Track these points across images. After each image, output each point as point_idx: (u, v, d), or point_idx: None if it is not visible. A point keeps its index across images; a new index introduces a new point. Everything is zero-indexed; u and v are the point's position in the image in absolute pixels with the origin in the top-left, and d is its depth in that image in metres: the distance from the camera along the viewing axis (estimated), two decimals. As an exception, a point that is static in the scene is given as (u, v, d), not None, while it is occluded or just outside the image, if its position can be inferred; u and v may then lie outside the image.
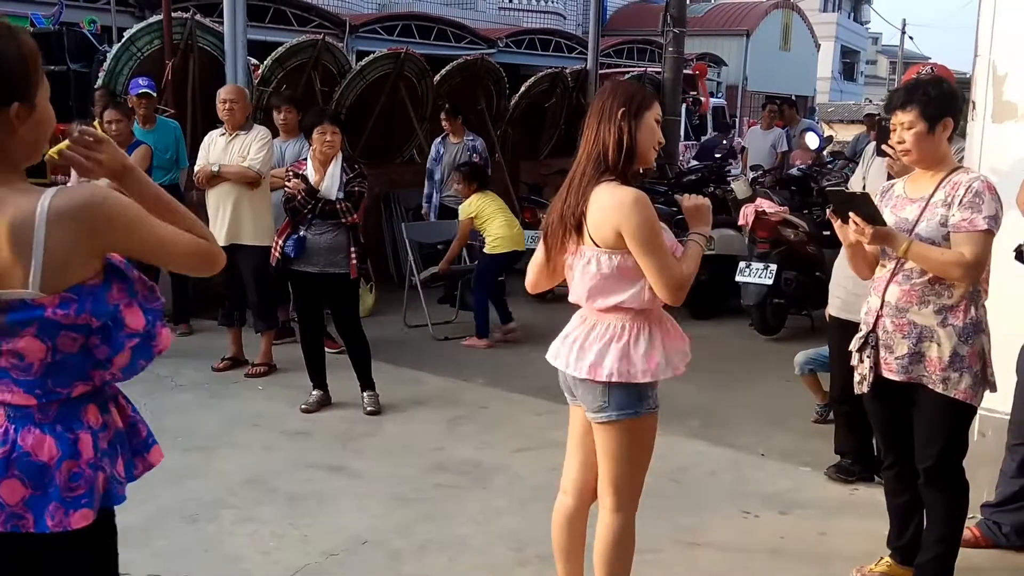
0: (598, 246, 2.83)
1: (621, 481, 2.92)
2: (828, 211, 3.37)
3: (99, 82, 7.88)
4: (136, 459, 2.02)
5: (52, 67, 7.84)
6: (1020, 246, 2.93)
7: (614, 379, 2.81)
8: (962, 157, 4.17)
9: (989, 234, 3.09)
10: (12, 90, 1.71)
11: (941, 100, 3.19)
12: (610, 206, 2.78)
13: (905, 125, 3.18)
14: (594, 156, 2.86)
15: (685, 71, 14.55)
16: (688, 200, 2.98)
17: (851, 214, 3.17)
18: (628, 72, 14.12)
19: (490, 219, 7.37)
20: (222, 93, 6.30)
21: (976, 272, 3.10)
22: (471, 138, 8.59)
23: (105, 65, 8.02)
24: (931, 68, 5.29)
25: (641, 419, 2.87)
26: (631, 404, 2.85)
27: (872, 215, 3.15)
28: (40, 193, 1.72)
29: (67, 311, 1.72)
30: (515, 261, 7.42)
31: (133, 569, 3.52)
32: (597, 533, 2.99)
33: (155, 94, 7.24)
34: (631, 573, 3.03)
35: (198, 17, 8.49)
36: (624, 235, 2.76)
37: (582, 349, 2.87)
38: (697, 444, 5.12)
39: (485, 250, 7.39)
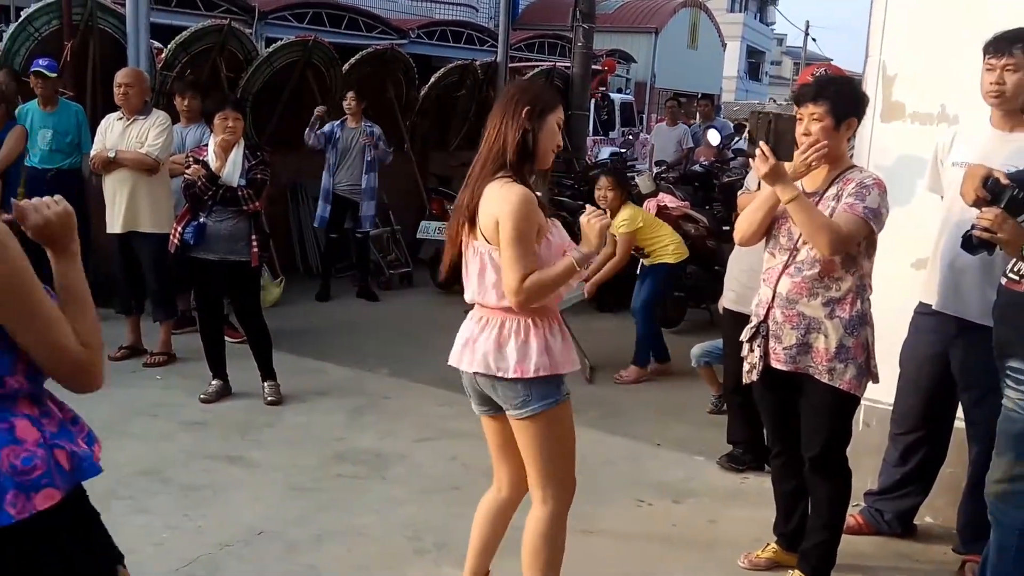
0: (489, 242, 2.83)
1: (552, 472, 2.92)
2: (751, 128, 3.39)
3: (-8, 62, 7.55)
4: (92, 446, 1.94)
5: (-59, 45, 7.50)
6: (968, 232, 3.02)
7: (541, 373, 2.80)
8: (852, 155, 4.28)
9: (865, 223, 3.17)
10: None
11: (850, 99, 3.28)
12: (496, 201, 2.78)
13: (815, 116, 3.24)
14: (494, 152, 2.85)
15: (594, 67, 14.66)
16: (585, 217, 2.87)
17: (760, 142, 3.21)
18: (538, 66, 14.14)
19: (655, 227, 6.44)
20: (118, 77, 6.12)
21: (840, 246, 3.15)
22: (368, 124, 8.46)
23: (2, 45, 7.70)
24: (825, 69, 5.42)
25: (561, 406, 2.88)
26: (551, 394, 2.85)
27: (782, 143, 3.20)
28: None
29: None
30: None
31: (16, 564, 3.40)
32: (527, 526, 2.98)
33: (54, 75, 6.96)
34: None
35: (99, -2, 8.19)
36: (500, 229, 2.76)
37: (499, 350, 2.82)
38: (595, 434, 5.15)
39: (656, 261, 6.32)
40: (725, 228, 7.12)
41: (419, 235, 9.19)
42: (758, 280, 3.59)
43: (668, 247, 6.24)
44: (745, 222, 3.45)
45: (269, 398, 5.52)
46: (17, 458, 1.74)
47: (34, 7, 8.03)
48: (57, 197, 1.83)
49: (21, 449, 1.75)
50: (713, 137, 10.02)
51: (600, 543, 3.91)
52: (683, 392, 6.05)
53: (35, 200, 1.79)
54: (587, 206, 2.93)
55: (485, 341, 2.85)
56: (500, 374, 2.82)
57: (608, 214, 6.08)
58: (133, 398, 5.51)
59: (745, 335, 3.46)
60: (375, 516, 4.08)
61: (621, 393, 6.03)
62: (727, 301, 4.69)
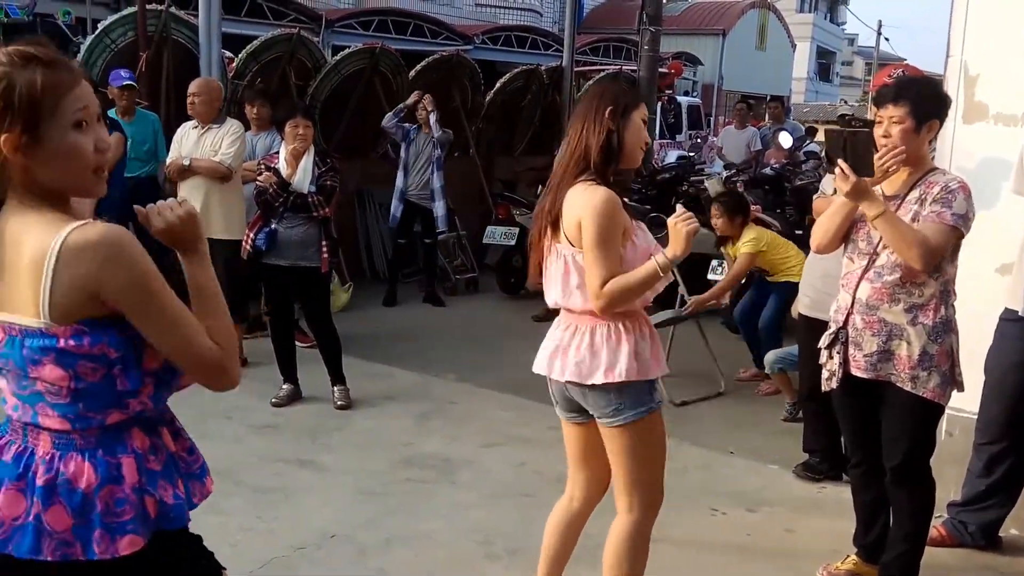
0: (572, 245, 2.81)
1: (640, 481, 2.87)
2: (828, 140, 3.32)
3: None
4: (193, 483, 1.95)
5: (23, 57, 7.73)
6: None
7: (631, 377, 2.75)
8: (933, 157, 4.18)
9: (954, 230, 3.10)
10: (12, 120, 1.67)
11: (932, 101, 3.21)
12: (579, 204, 2.76)
13: (894, 119, 3.17)
14: (576, 155, 2.83)
15: (660, 70, 14.57)
16: (673, 219, 2.77)
17: (839, 161, 3.15)
18: (603, 70, 14.12)
19: (781, 247, 6.26)
20: (190, 88, 6.25)
21: (931, 259, 3.07)
22: (434, 116, 8.46)
23: (79, 57, 7.92)
24: (903, 70, 5.31)
25: (653, 415, 2.84)
26: (643, 401, 2.81)
27: (861, 161, 3.13)
28: (66, 225, 1.68)
29: (79, 343, 1.69)
30: None
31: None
32: (610, 534, 2.94)
33: (137, 86, 7.16)
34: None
35: (173, 9, 8.38)
36: (582, 231, 2.75)
37: (592, 358, 2.79)
38: (667, 441, 5.10)
39: (781, 279, 6.06)
40: (798, 232, 7.01)
41: (485, 240, 9.21)
42: (834, 285, 3.52)
43: (794, 267, 5.96)
44: (822, 229, 3.37)
45: (339, 402, 5.58)
46: (112, 499, 1.76)
47: (110, 19, 8.27)
48: (181, 199, 1.85)
49: (119, 490, 1.76)
50: (785, 140, 9.88)
51: (673, 552, 3.86)
52: (757, 399, 5.97)
53: (159, 203, 1.82)
54: (677, 207, 2.87)
55: (576, 349, 2.82)
56: (592, 381, 2.78)
57: (731, 240, 6.15)
58: (207, 401, 5.55)
59: (824, 342, 3.39)
60: (444, 521, 4.09)
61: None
62: (802, 306, 4.62)
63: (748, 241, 6.07)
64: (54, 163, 1.70)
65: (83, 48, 8.03)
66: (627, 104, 2.81)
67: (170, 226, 1.81)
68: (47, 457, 1.75)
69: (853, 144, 3.16)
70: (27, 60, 1.70)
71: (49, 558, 1.72)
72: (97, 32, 8.11)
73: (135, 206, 1.87)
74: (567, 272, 2.83)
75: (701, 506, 4.32)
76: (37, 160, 1.69)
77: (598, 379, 2.77)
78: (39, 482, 1.73)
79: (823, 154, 4.16)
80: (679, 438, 5.17)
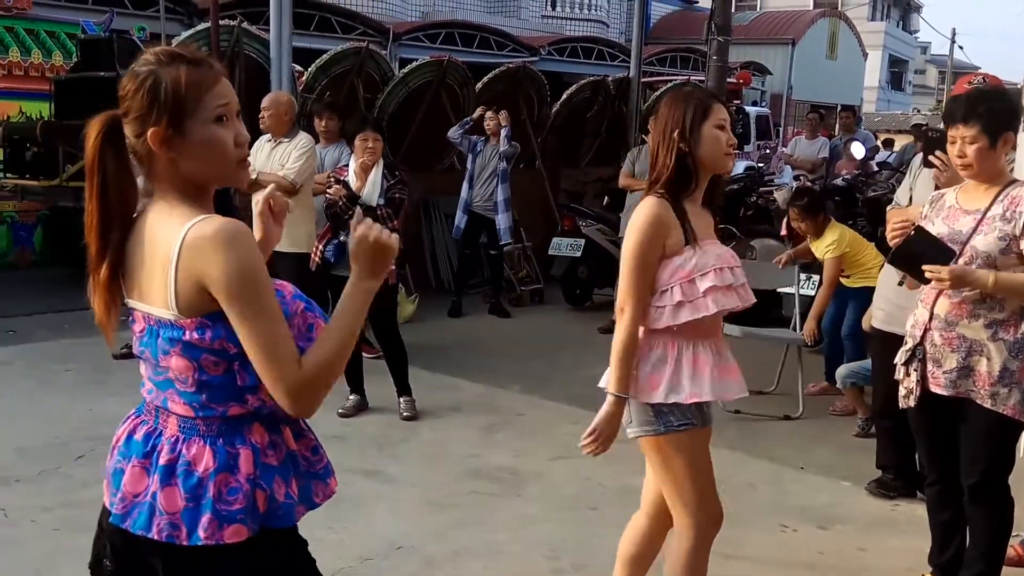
0: None
1: (676, 502, 2.85)
2: (895, 268, 3.27)
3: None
4: (316, 483, 2.00)
5: (102, 73, 7.97)
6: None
7: (639, 398, 2.77)
8: (1012, 167, 4.09)
9: None
10: (159, 115, 1.77)
11: (1005, 115, 3.14)
12: (634, 215, 2.80)
13: (967, 139, 3.11)
14: (656, 174, 2.82)
15: (728, 79, 14.45)
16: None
17: (924, 267, 3.09)
18: (670, 80, 14.06)
19: (860, 248, 6.05)
20: (262, 102, 6.37)
21: None
22: (505, 130, 8.52)
23: (153, 72, 8.12)
24: (983, 78, 5.20)
25: (664, 438, 2.77)
26: (648, 422, 2.77)
27: (936, 250, 3.07)
28: (192, 219, 1.76)
29: (202, 336, 1.75)
30: None
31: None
32: (669, 551, 2.94)
33: None
34: None
35: (245, 25, 8.58)
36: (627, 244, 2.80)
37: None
38: (735, 455, 5.06)
39: (858, 284, 5.89)
40: (870, 243, 6.88)
41: (551, 252, 9.21)
42: (908, 298, 3.46)
43: (872, 269, 5.79)
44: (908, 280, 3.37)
45: (405, 413, 5.63)
46: (226, 486, 1.80)
47: (184, 35, 8.50)
48: (389, 232, 1.86)
49: (233, 479, 1.80)
50: (857, 150, 9.73)
51: (743, 568, 3.82)
52: (827, 414, 5.88)
53: (374, 224, 1.84)
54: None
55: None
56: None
57: (809, 240, 6.05)
58: (275, 411, 5.69)
59: (900, 358, 3.33)
60: (511, 534, 4.10)
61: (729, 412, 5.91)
62: (876, 320, 4.53)
63: (831, 244, 5.93)
64: (197, 156, 1.80)
65: (158, 64, 8.22)
66: (694, 120, 2.76)
67: (362, 239, 1.82)
68: (172, 439, 1.82)
69: (919, 244, 3.11)
70: (172, 58, 1.80)
71: (156, 537, 1.79)
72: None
73: (357, 205, 1.96)
74: None
75: (771, 522, 4.26)
76: (182, 153, 1.79)
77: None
78: (161, 461, 1.80)
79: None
80: (746, 452, 5.14)
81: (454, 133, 8.54)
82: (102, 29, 9.22)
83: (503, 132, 8.35)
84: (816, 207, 6.10)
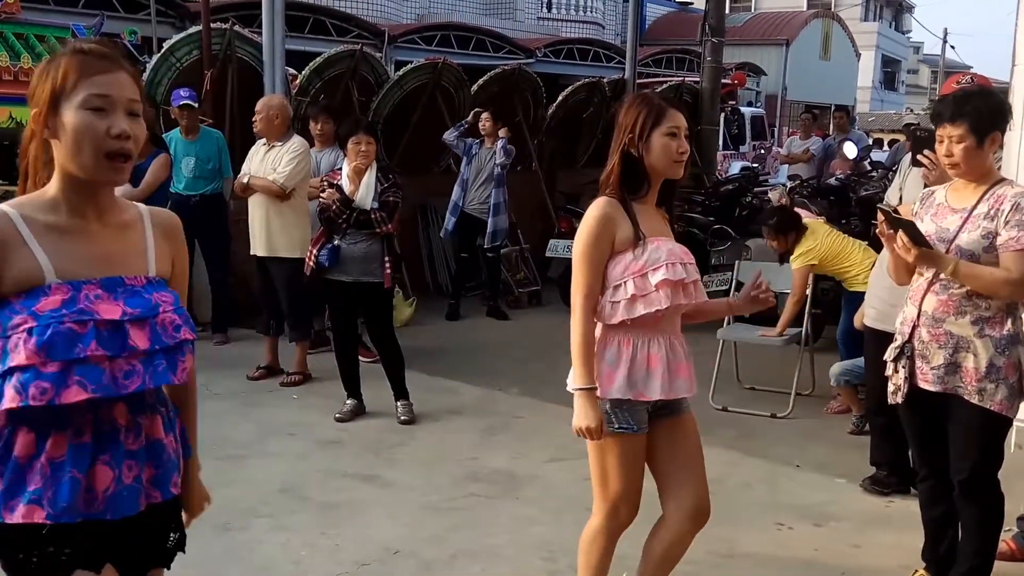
0: None
1: (595, 486, 2.97)
2: (880, 224, 3.31)
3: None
4: None
5: (94, 79, 7.96)
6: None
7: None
8: (1000, 166, 4.12)
9: None
10: (42, 97, 1.85)
11: (991, 114, 3.17)
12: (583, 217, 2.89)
13: (954, 139, 3.15)
14: (605, 175, 2.90)
15: (723, 80, 14.50)
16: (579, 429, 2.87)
17: (899, 233, 3.14)
18: (665, 82, 14.07)
19: (837, 256, 5.96)
20: (256, 106, 6.40)
21: (1021, 290, 3.08)
22: (502, 142, 8.56)
23: (145, 75, 8.14)
24: (971, 78, 5.24)
25: (606, 436, 2.84)
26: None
27: (917, 238, 3.12)
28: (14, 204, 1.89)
29: None
30: None
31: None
32: None
33: (197, 105, 7.33)
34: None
35: (237, 27, 8.59)
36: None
37: None
38: (731, 455, 5.09)
39: (852, 288, 5.80)
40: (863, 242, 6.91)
41: (548, 253, 9.23)
42: (899, 297, 3.50)
43: (858, 275, 5.75)
44: (894, 273, 3.43)
45: (402, 417, 5.64)
46: (178, 445, 2.02)
47: (175, 38, 8.50)
48: None
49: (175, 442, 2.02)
50: (850, 150, 9.77)
51: (740, 567, 3.85)
52: (821, 412, 5.91)
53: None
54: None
55: None
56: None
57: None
58: (271, 417, 5.72)
59: (889, 355, 3.36)
60: (509, 536, 4.12)
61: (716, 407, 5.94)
62: (868, 319, 4.56)
63: (797, 257, 5.97)
64: (66, 142, 1.82)
65: (148, 67, 8.25)
66: (644, 126, 2.81)
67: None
68: None
69: (905, 226, 3.15)
70: (73, 50, 1.85)
71: None
72: (162, 51, 8.33)
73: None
74: None
75: (767, 520, 4.29)
76: (58, 139, 1.83)
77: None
78: None
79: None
80: (741, 451, 5.17)
81: (449, 136, 8.57)
82: (92, 33, 9.19)
83: (499, 144, 8.38)
84: (785, 225, 6.09)
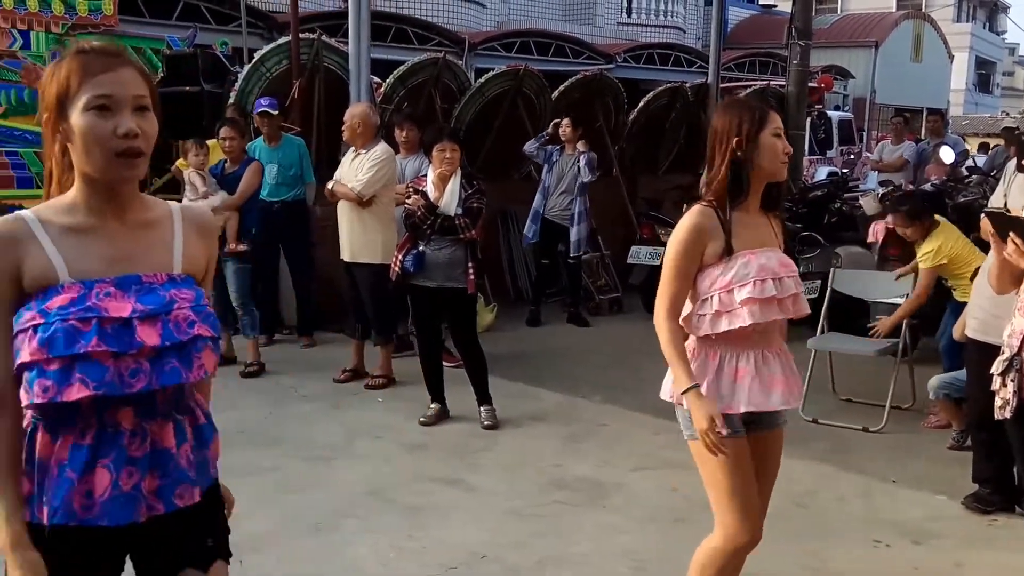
0: None
1: (711, 499, 2.89)
2: (986, 229, 3.21)
3: (230, 101, 8.19)
4: None
5: (187, 87, 8.18)
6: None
7: (664, 396, 2.90)
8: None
9: None
10: (49, 101, 1.85)
11: None
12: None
13: None
14: (705, 183, 2.85)
15: (810, 84, 14.25)
16: (706, 432, 2.71)
17: (1011, 235, 3.03)
18: (749, 85, 13.91)
19: (968, 258, 5.64)
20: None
21: None
22: (583, 150, 8.55)
23: (236, 85, 8.32)
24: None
25: (698, 442, 2.78)
26: (687, 425, 2.82)
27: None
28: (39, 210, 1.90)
29: None
30: None
31: (260, 574, 3.63)
32: None
33: (276, 112, 7.44)
34: None
35: (324, 38, 8.73)
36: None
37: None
38: (824, 468, 4.98)
39: (963, 298, 5.37)
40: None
41: (630, 260, 9.15)
42: (1003, 307, 3.39)
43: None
44: (996, 281, 3.33)
45: (485, 422, 5.65)
46: (199, 456, 1.98)
47: (266, 49, 8.67)
48: None
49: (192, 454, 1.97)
50: (946, 155, 9.51)
51: (833, 584, 3.76)
52: (919, 426, 5.74)
53: None
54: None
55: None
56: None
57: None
58: (357, 419, 5.78)
59: (997, 368, 3.25)
60: (594, 544, 4.09)
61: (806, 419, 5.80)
62: (970, 330, 4.42)
63: (925, 255, 5.69)
64: (76, 144, 1.82)
65: (240, 77, 8.43)
66: (751, 128, 2.77)
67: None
68: None
69: (1019, 225, 3.03)
70: (76, 51, 1.84)
71: None
72: (253, 62, 8.50)
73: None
74: None
75: (863, 537, 4.17)
76: (71, 142, 1.83)
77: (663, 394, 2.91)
78: None
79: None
80: (835, 465, 5.05)
81: (530, 147, 8.59)
82: (186, 44, 9.43)
83: (583, 160, 8.37)
84: (918, 211, 5.84)
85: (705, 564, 2.89)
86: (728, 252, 2.75)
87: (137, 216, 1.92)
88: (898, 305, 6.07)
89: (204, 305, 1.92)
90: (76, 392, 1.74)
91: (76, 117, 1.80)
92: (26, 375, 1.76)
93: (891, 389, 5.71)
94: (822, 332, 6.12)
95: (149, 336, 1.80)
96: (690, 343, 2.87)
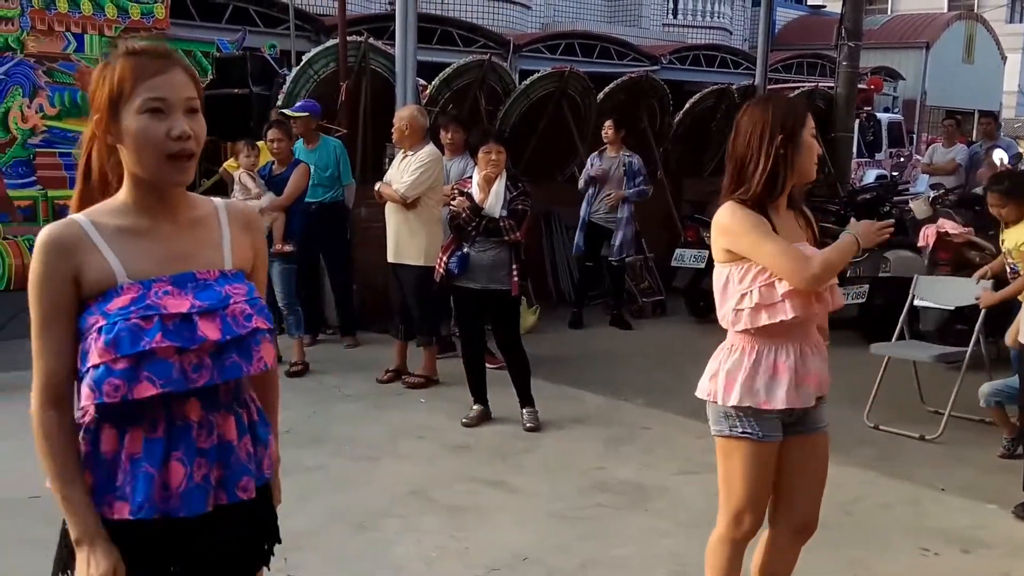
0: (719, 263, 2.89)
1: (723, 497, 2.95)
2: None
3: (278, 103, 8.28)
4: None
5: (236, 90, 8.29)
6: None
7: (700, 395, 2.92)
8: None
9: None
10: (101, 103, 1.88)
11: None
12: (716, 221, 2.83)
13: None
14: (737, 179, 2.82)
15: (859, 86, 14.09)
16: (877, 227, 2.86)
17: None
18: (798, 87, 13.76)
19: None
20: None
21: None
22: (627, 154, 8.56)
23: (284, 87, 8.42)
24: None
25: (729, 440, 2.86)
26: (716, 420, 2.90)
27: None
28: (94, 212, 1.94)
29: None
30: None
31: (304, 572, 3.67)
32: None
33: (307, 114, 7.43)
34: None
35: (371, 40, 8.80)
36: (731, 246, 2.79)
37: (709, 371, 2.94)
38: (869, 475, 4.92)
39: None
40: (1015, 255, 6.59)
41: (673, 263, 9.12)
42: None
43: None
44: None
45: (528, 424, 5.66)
46: (257, 451, 2.02)
47: (314, 51, 8.75)
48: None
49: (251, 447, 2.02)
50: (1000, 157, 9.34)
51: (879, 592, 3.71)
52: (968, 433, 5.65)
53: None
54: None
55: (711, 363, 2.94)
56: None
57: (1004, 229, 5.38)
58: (400, 419, 5.82)
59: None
60: (637, 548, 4.08)
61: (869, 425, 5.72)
62: (1022, 336, 4.34)
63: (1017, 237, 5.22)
64: (128, 146, 1.84)
65: (288, 79, 8.52)
66: (794, 126, 2.77)
67: None
68: None
69: None
70: (125, 52, 1.86)
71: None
72: (301, 64, 8.59)
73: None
74: (717, 289, 2.90)
75: (910, 545, 4.12)
76: (122, 143, 1.85)
77: (701, 392, 2.92)
78: None
79: None
80: (881, 472, 4.99)
81: (584, 186, 8.59)
82: (235, 47, 9.56)
83: (638, 182, 8.38)
84: (1019, 191, 5.35)
85: (715, 549, 3.03)
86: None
87: (186, 215, 1.95)
88: (947, 311, 5.97)
89: (257, 299, 1.96)
90: (145, 390, 1.78)
91: (129, 119, 1.82)
92: (92, 374, 1.79)
93: (952, 397, 5.55)
94: (900, 338, 6.00)
95: (210, 331, 1.84)
96: (729, 341, 2.89)
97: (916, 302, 6.27)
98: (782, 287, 2.72)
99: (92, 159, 1.94)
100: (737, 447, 2.85)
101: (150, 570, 1.90)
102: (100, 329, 1.78)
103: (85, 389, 1.80)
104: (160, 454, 1.84)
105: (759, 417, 2.80)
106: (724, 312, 2.85)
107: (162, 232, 1.91)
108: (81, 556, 1.81)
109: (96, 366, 1.78)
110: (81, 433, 1.88)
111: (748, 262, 2.77)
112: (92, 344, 1.79)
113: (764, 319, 2.75)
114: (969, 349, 5.65)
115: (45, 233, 1.84)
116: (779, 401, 2.78)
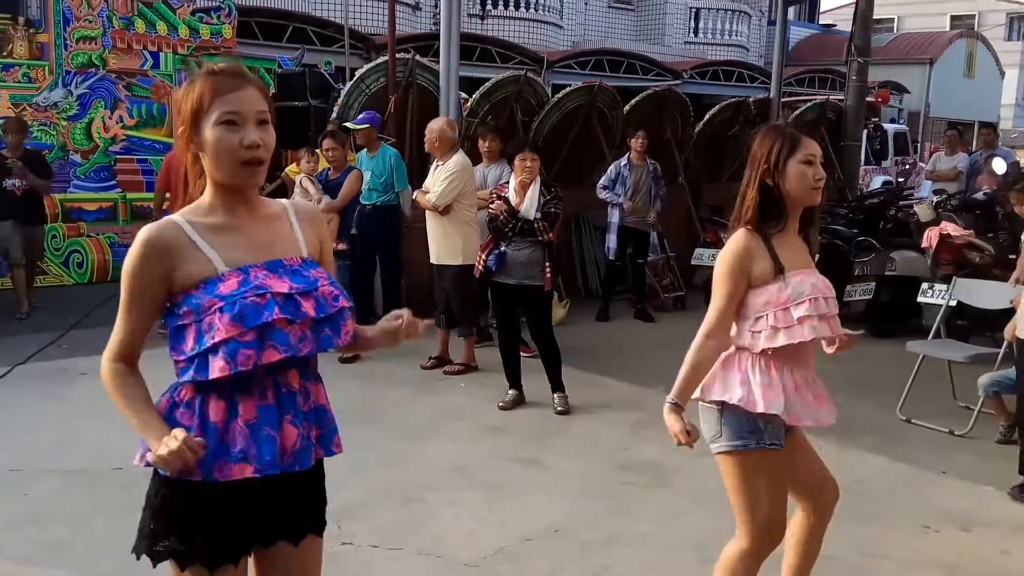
0: None
1: (743, 514, 2.74)
2: None
3: (333, 115, 8.33)
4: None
5: (296, 102, 8.35)
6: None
7: (732, 400, 2.64)
8: None
9: None
10: (185, 117, 1.95)
11: None
12: (724, 246, 2.73)
13: None
14: (742, 205, 2.73)
15: (868, 98, 13.92)
16: (677, 433, 2.80)
17: None
18: (809, 100, 13.61)
19: None
20: None
21: None
22: (651, 162, 8.52)
23: (339, 100, 8.47)
24: None
25: (756, 453, 2.65)
26: (742, 435, 2.65)
27: None
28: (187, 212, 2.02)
29: None
30: None
31: (356, 539, 3.70)
32: (722, 552, 2.84)
33: (368, 126, 7.46)
34: None
35: (417, 57, 8.83)
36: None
37: (712, 374, 2.74)
38: (876, 459, 4.87)
39: None
40: (1012, 256, 6.49)
41: (693, 261, 9.09)
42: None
43: None
44: None
45: (559, 408, 5.66)
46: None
47: (365, 68, 8.81)
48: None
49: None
50: (999, 166, 9.20)
51: (884, 567, 3.67)
52: (967, 421, 5.56)
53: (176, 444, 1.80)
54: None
55: (728, 372, 2.73)
56: (698, 396, 2.75)
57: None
58: (443, 403, 5.84)
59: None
60: (660, 524, 4.06)
61: (901, 421, 5.62)
62: (1020, 330, 4.28)
63: None
64: (208, 154, 1.92)
65: (342, 93, 8.57)
66: (779, 155, 2.65)
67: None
68: None
69: None
70: (208, 72, 1.94)
71: None
72: (354, 79, 8.65)
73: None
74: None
75: (912, 523, 4.07)
76: (204, 152, 1.93)
77: (706, 395, 2.70)
78: None
79: None
80: (889, 456, 4.93)
81: (602, 193, 8.53)
82: (295, 64, 9.63)
83: (660, 187, 8.39)
84: None
85: (736, 568, 2.77)
86: (779, 271, 2.63)
87: (262, 212, 2.04)
88: (948, 308, 5.88)
89: (336, 282, 2.05)
90: (271, 356, 1.87)
91: (208, 131, 1.91)
92: (224, 349, 1.85)
93: (982, 395, 5.33)
94: (936, 336, 5.89)
95: (309, 308, 1.93)
96: (741, 356, 2.72)
97: (932, 300, 6.11)
98: (799, 311, 2.61)
99: (184, 169, 2.03)
100: (763, 459, 2.65)
101: (235, 528, 1.97)
102: (221, 309, 1.85)
103: (219, 362, 1.85)
104: (276, 417, 1.94)
105: (780, 428, 2.67)
106: (740, 331, 2.71)
107: (245, 227, 1.99)
108: (156, 442, 1.82)
109: (226, 341, 1.84)
110: (181, 408, 1.93)
111: (761, 287, 2.65)
112: (215, 321, 1.85)
113: (782, 340, 2.61)
114: (1002, 351, 5.47)
115: (146, 232, 1.92)
116: (808, 418, 2.68)
